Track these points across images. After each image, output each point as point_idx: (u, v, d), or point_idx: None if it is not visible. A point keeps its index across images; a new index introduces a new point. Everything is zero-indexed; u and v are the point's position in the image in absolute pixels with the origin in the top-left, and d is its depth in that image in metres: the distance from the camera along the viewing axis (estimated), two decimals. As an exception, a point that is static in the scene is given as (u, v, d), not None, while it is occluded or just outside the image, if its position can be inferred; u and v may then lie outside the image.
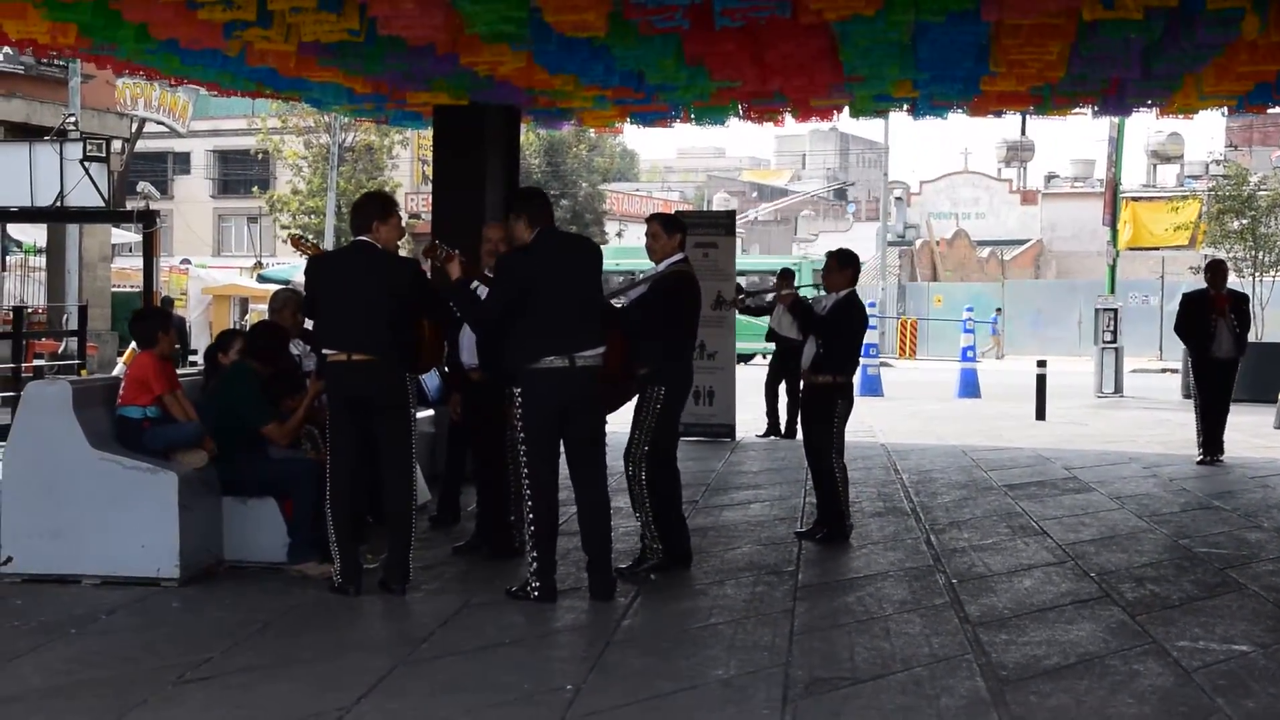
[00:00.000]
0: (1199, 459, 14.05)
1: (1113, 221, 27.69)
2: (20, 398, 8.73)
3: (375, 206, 7.72)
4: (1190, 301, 14.52)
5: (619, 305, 8.33)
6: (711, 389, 15.89)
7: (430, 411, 11.37)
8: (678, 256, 8.27)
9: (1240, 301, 14.52)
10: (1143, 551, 9.21)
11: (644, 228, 8.60)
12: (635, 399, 8.15)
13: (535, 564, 7.38)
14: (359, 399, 7.52)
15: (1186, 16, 9.09)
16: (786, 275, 12.97)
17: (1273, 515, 10.81)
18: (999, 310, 45.54)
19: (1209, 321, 14.05)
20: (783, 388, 16.43)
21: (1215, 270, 14.40)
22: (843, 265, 9.47)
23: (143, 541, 7.68)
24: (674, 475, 8.35)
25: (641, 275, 8.61)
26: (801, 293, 10.16)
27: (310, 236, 8.28)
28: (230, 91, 12.84)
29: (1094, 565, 8.67)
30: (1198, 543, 9.51)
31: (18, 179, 15.16)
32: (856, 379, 10.69)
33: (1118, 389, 25.28)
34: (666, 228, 8.36)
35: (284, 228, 46.36)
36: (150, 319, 8.54)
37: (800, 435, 9.95)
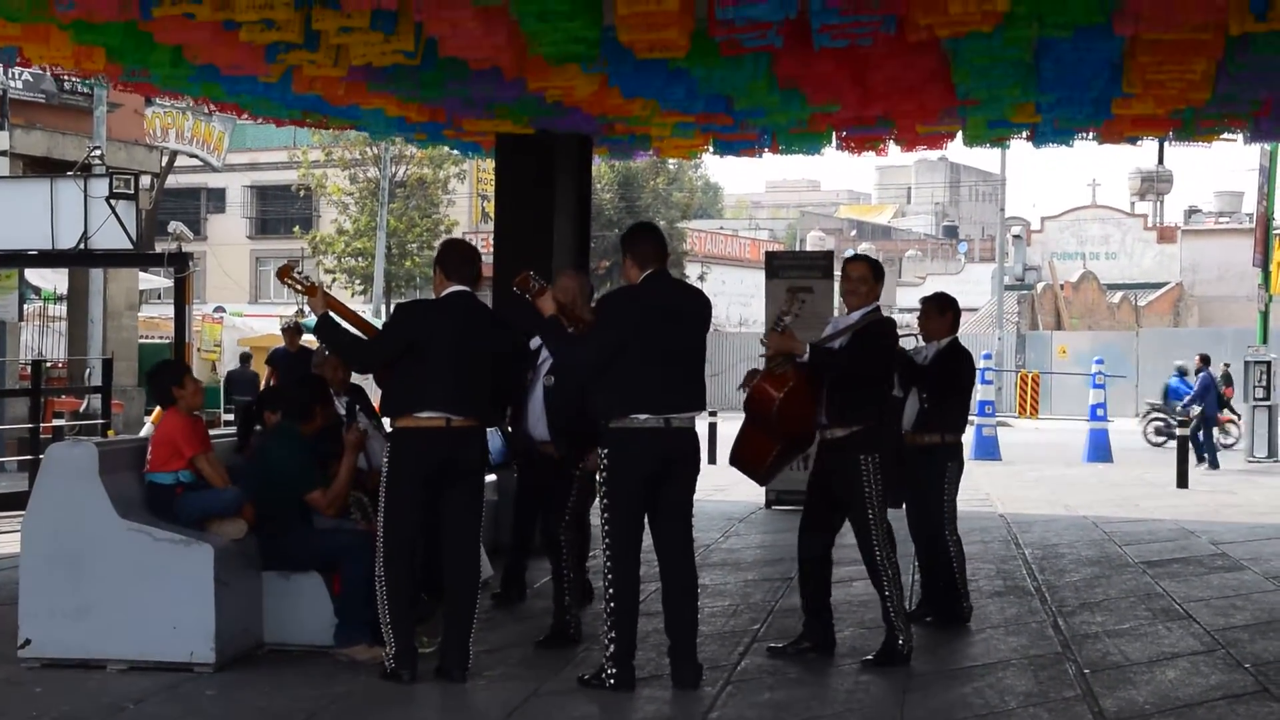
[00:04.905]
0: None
1: (1264, 262, 27.40)
2: (40, 462, 8.86)
3: (471, 256, 7.91)
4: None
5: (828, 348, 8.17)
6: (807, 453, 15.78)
7: (492, 476, 11.38)
8: (873, 306, 8.29)
9: None
10: (1305, 639, 9.08)
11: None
12: (850, 473, 8.09)
13: (612, 647, 7.37)
14: (444, 468, 7.58)
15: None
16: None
17: None
18: None
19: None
20: None
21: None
22: (943, 310, 9.46)
23: (175, 622, 7.74)
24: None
25: (835, 323, 8.49)
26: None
27: (300, 270, 8.32)
28: (275, 120, 13.06)
29: (1248, 654, 8.53)
30: (1369, 629, 9.35)
31: (37, 219, 15.36)
32: (968, 440, 10.62)
33: (1272, 453, 24.97)
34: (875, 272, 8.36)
35: (328, 271, 46.89)
36: (160, 374, 8.59)
37: (902, 505, 9.85)
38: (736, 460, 8.38)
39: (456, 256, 7.87)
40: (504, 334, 7.90)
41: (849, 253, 69.88)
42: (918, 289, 66.55)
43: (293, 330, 18.43)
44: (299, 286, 8.07)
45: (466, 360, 7.54)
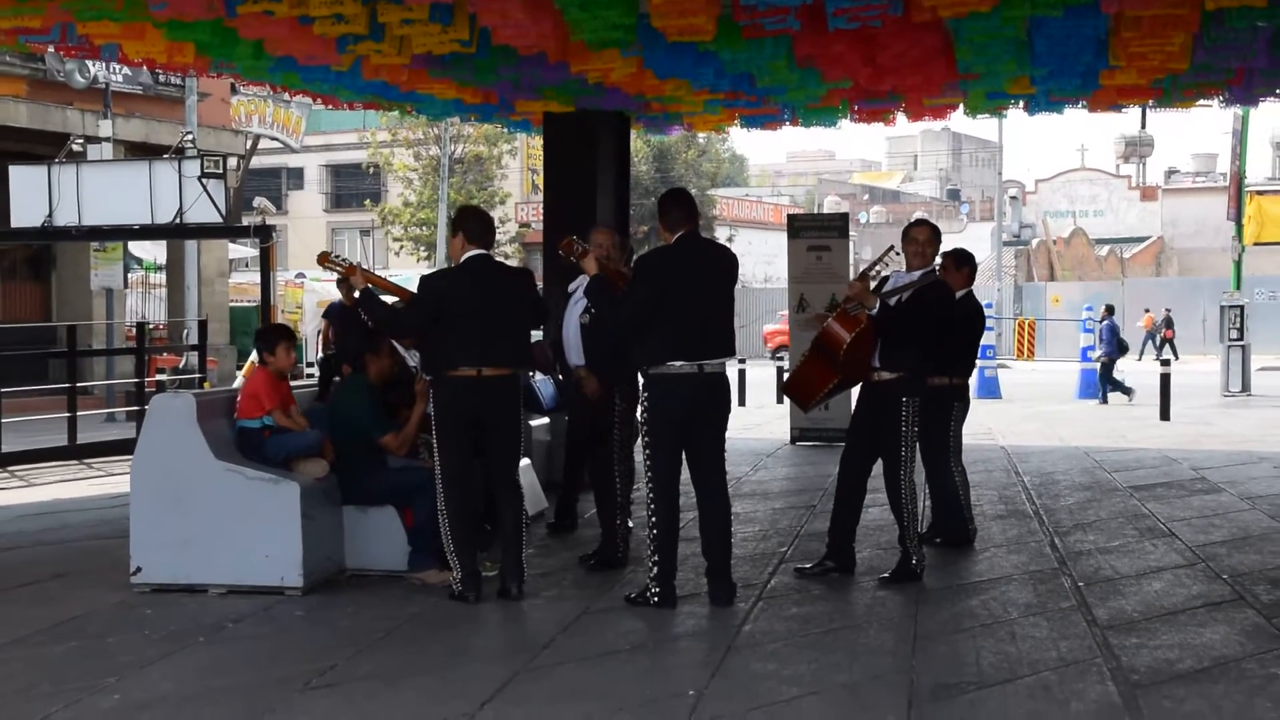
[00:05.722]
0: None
1: (1237, 216, 27.16)
2: (145, 412, 8.93)
3: (489, 223, 7.90)
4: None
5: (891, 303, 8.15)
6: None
7: (545, 420, 11.44)
8: (932, 267, 8.31)
9: None
10: (1277, 553, 9.01)
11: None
12: (892, 412, 8.04)
13: (655, 569, 7.39)
14: (482, 411, 7.60)
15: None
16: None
17: None
18: None
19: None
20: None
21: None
22: (959, 265, 9.38)
23: (267, 551, 7.82)
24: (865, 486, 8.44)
25: (897, 278, 8.41)
26: None
27: (337, 254, 8.32)
28: (346, 105, 13.06)
29: (1226, 567, 8.50)
30: (1334, 544, 9.29)
31: (138, 197, 15.41)
32: (973, 380, 10.60)
33: (1245, 387, 24.81)
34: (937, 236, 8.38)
35: (396, 240, 46.97)
36: (263, 334, 8.68)
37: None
38: (791, 386, 8.35)
39: (477, 223, 7.82)
40: (522, 290, 7.85)
41: (862, 215, 69.27)
42: (924, 246, 66.21)
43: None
44: (339, 268, 8.06)
45: (491, 317, 7.54)
